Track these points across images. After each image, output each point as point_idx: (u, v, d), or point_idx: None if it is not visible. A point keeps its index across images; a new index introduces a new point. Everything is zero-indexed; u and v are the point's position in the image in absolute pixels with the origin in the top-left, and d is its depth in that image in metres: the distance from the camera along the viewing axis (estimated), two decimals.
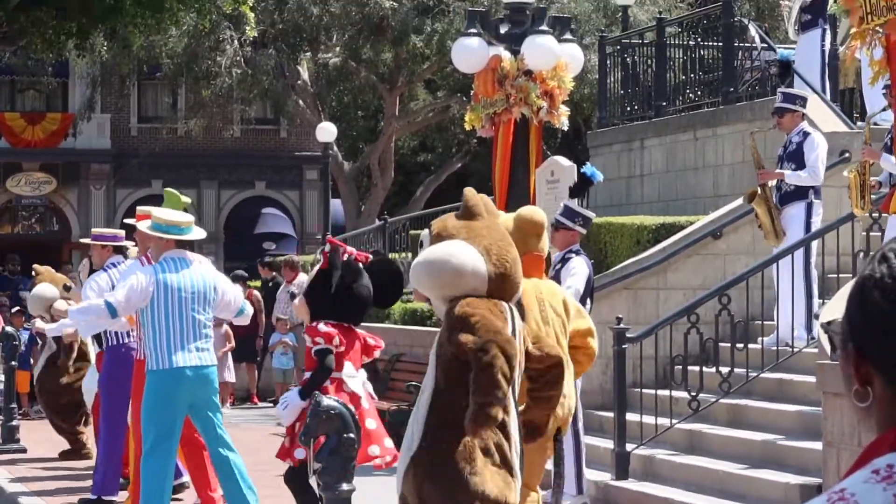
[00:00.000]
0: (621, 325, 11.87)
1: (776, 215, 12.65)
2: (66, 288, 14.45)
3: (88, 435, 15.06)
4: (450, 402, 6.00)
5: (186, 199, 10.43)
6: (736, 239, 14.15)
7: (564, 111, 14.60)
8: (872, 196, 11.27)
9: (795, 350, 12.15)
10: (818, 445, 9.78)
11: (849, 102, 17.19)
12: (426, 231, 6.54)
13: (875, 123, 13.61)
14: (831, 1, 14.43)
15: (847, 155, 14.11)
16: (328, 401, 6.86)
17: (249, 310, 10.44)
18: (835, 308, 9.40)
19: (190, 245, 10.05)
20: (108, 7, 20.62)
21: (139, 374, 10.12)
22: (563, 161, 14.84)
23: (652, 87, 19.12)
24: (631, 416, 11.92)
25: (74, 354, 15.23)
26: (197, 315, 9.65)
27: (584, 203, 14.44)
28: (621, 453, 11.63)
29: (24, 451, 15.77)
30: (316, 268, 9.13)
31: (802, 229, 12.57)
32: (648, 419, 12.02)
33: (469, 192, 6.41)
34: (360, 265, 8.97)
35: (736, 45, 17.61)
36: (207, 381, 9.72)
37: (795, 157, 12.66)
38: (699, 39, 18.66)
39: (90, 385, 12.88)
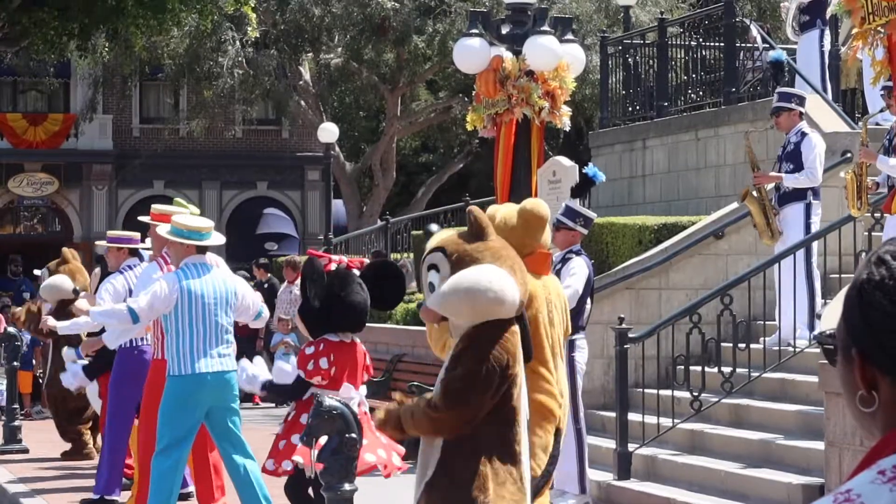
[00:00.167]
0: (623, 325, 11.87)
1: (771, 214, 12.65)
2: (76, 292, 14.41)
3: (89, 436, 15.08)
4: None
5: (195, 210, 10.45)
6: (738, 239, 14.15)
7: (566, 111, 14.59)
8: (870, 197, 11.27)
9: (797, 350, 12.15)
10: (820, 445, 9.79)
11: (851, 103, 17.20)
12: (439, 254, 6.18)
13: (876, 123, 13.61)
14: (833, 1, 14.44)
15: (849, 155, 14.10)
16: (330, 401, 6.86)
17: (266, 313, 10.42)
18: (836, 309, 9.39)
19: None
20: (110, 8, 20.63)
21: (154, 374, 10.14)
22: (564, 161, 14.84)
23: (654, 87, 19.12)
24: (633, 416, 11.93)
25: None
26: (219, 320, 9.65)
27: (585, 203, 14.44)
28: (623, 453, 11.64)
29: (26, 451, 15.77)
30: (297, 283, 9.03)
31: (801, 230, 12.56)
32: (650, 419, 12.02)
33: (476, 211, 6.24)
34: (352, 272, 8.79)
35: (738, 45, 17.63)
36: (228, 386, 9.70)
37: (793, 158, 12.64)
38: (701, 40, 18.64)
39: (93, 388, 12.87)
